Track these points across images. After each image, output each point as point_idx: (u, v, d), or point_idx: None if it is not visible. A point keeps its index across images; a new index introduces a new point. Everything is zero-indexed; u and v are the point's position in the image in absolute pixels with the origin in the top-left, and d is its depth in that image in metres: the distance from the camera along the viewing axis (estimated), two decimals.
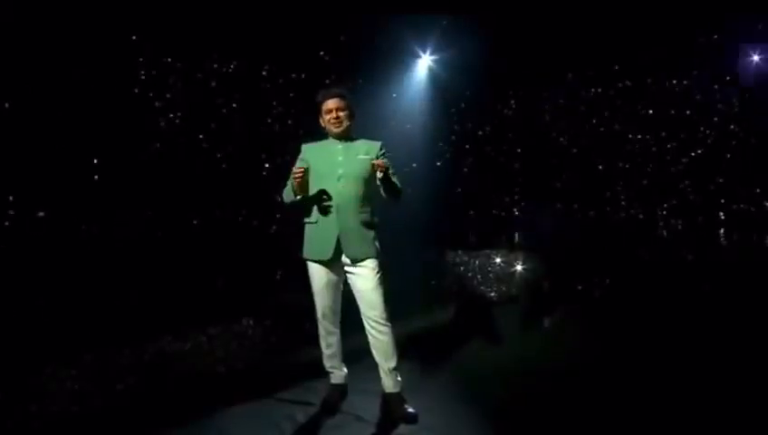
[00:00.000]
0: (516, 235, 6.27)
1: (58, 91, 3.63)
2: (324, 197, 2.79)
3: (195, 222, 4.45)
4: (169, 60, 4.37)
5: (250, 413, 2.91)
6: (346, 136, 2.90)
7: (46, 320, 3.29)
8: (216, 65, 4.73)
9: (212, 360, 3.59)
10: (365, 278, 2.80)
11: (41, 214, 3.58)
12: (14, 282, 3.32)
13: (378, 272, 2.80)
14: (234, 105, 4.88)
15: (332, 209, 2.78)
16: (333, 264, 2.85)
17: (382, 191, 2.84)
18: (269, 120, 5.24)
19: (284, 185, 2.92)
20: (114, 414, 2.97)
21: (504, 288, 4.63)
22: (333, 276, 2.88)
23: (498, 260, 4.68)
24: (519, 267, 4.68)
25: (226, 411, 2.92)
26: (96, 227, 3.75)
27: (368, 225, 2.83)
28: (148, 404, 3.10)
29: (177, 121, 4.44)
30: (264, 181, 5.01)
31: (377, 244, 2.85)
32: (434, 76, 6.19)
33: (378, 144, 2.92)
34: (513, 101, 6.45)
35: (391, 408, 2.85)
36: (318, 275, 2.88)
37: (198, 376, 3.46)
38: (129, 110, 4.08)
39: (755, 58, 5.68)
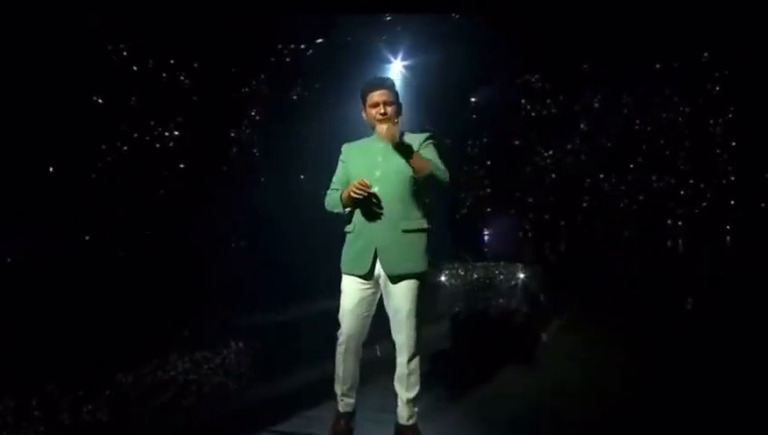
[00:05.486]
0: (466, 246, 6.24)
1: None
2: (363, 203, 2.47)
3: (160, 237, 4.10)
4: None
5: None
6: None
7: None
8: (179, 72, 4.41)
9: (197, 389, 3.23)
10: (402, 298, 2.48)
11: None
12: None
13: (418, 292, 2.49)
14: (193, 110, 4.56)
15: (371, 217, 2.48)
16: (372, 279, 2.53)
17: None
18: (231, 127, 4.96)
19: (328, 186, 2.65)
20: None
21: (501, 301, 4.55)
22: (369, 294, 2.55)
23: (496, 272, 4.60)
24: (518, 280, 4.62)
25: None
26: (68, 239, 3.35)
27: (413, 234, 2.50)
28: None
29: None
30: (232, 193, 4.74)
31: (424, 257, 2.53)
32: (406, 81, 6.07)
33: (421, 136, 2.57)
34: (485, 106, 6.43)
35: None
36: (351, 291, 2.53)
37: (184, 409, 3.09)
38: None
39: None
